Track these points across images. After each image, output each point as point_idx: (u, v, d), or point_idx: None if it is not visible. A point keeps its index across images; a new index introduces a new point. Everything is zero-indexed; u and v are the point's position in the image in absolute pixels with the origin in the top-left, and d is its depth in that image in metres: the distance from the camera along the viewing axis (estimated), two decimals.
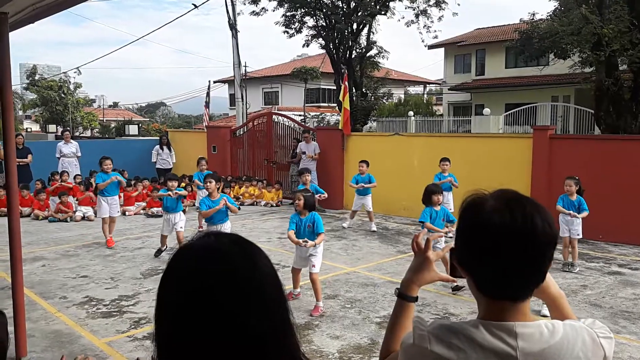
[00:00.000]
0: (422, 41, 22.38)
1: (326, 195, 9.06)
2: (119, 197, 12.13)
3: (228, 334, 0.90)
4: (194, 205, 10.24)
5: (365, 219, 10.82)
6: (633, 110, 11.63)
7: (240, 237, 1.01)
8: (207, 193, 7.01)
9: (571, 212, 7.01)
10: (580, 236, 7.15)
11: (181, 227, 7.92)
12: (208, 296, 0.91)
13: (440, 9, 17.68)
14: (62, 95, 40.52)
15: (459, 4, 19.53)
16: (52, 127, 34.80)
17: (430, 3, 17.68)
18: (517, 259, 1.10)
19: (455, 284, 5.92)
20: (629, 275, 7.08)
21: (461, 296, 6.02)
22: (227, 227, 7.01)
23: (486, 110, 21.71)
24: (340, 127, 12.52)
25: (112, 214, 8.72)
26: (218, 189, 7.07)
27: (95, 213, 11.32)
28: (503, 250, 1.10)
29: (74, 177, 12.77)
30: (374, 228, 9.99)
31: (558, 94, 22.89)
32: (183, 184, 12.75)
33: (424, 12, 17.88)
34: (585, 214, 7.05)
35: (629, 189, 8.70)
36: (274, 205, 13.00)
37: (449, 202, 9.11)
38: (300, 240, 5.56)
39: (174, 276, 0.96)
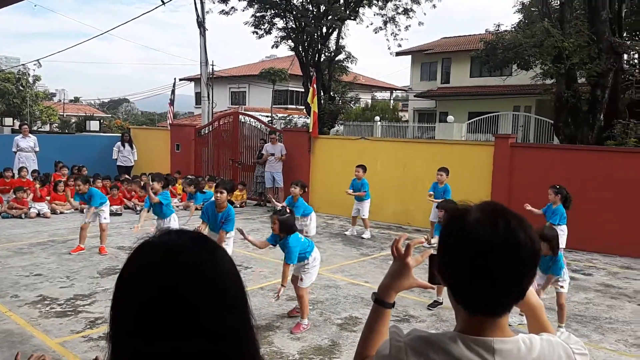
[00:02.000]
0: (389, 48, 22.58)
1: (310, 217, 8.43)
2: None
3: (188, 333, 0.88)
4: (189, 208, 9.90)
5: (331, 221, 10.86)
6: (590, 122, 12.05)
7: (202, 235, 1.00)
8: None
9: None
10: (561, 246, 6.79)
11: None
12: (169, 293, 0.89)
13: (408, 17, 17.93)
14: (20, 87, 39.18)
15: (425, 14, 19.89)
16: (8, 121, 33.54)
17: (399, 11, 17.91)
18: (497, 274, 1.08)
19: (434, 299, 5.91)
20: (582, 280, 7.32)
21: (422, 299, 6.09)
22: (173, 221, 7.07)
23: (450, 118, 22.12)
24: (309, 130, 12.52)
25: (101, 220, 8.00)
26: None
27: (50, 210, 11.01)
28: (484, 264, 1.08)
29: (31, 173, 12.35)
30: (368, 235, 9.62)
31: (520, 104, 23.53)
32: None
33: (392, 20, 18.09)
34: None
35: (584, 197, 9.00)
36: (238, 206, 12.88)
37: None
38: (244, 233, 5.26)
39: (134, 272, 0.94)
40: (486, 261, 1.08)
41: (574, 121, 12.38)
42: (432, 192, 8.87)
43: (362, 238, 9.56)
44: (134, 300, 0.91)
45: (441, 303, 5.86)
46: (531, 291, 1.31)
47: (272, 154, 12.46)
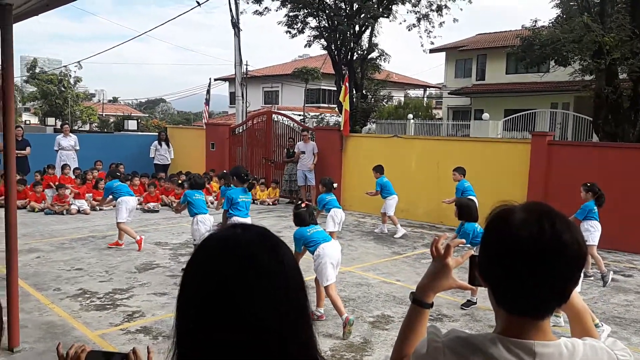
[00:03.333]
0: (422, 45, 22.47)
1: (331, 213, 8.25)
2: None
3: (246, 326, 0.89)
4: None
5: (363, 220, 10.86)
6: (632, 119, 11.67)
7: (267, 231, 1.00)
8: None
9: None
10: (591, 243, 6.75)
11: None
12: (225, 287, 0.90)
13: (440, 15, 17.73)
14: (62, 88, 40.44)
15: (461, 9, 19.62)
16: (50, 120, 34.76)
17: (432, 8, 17.73)
18: (542, 276, 1.06)
19: (468, 299, 5.85)
20: (622, 282, 7.11)
21: (455, 298, 6.03)
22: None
23: (485, 115, 21.74)
24: (341, 128, 12.54)
25: (130, 217, 8.38)
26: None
27: (89, 207, 11.36)
28: (528, 266, 1.06)
29: (73, 171, 12.76)
30: (384, 230, 9.79)
31: (557, 100, 22.93)
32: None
33: (426, 17, 17.92)
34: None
35: (626, 196, 8.73)
36: (270, 204, 13.01)
37: None
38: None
39: (196, 266, 0.96)
40: (531, 263, 1.05)
41: (615, 118, 12.00)
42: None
43: (394, 237, 9.51)
44: (195, 293, 0.93)
45: (475, 303, 5.79)
46: (576, 294, 1.27)
47: (303, 152, 12.52)
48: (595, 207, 6.81)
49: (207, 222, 6.89)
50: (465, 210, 6.05)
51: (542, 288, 1.07)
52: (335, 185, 8.43)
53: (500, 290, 1.13)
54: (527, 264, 1.06)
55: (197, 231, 6.85)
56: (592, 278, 6.95)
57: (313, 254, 5.22)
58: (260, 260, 0.93)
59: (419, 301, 1.38)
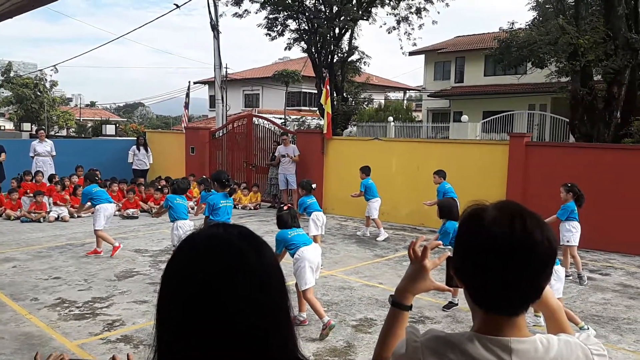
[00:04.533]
0: (401, 48, 22.60)
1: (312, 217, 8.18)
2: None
3: (232, 324, 0.88)
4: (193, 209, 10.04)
5: (345, 223, 10.87)
6: (606, 120, 11.89)
7: (248, 230, 1.00)
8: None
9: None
10: (565, 243, 6.91)
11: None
12: (211, 285, 0.89)
13: (419, 17, 17.87)
14: (38, 93, 39.78)
15: (438, 12, 19.82)
16: (26, 126, 34.04)
17: (412, 10, 17.86)
18: (514, 273, 1.08)
19: (449, 300, 5.89)
20: (600, 280, 7.24)
21: (437, 300, 6.07)
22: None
23: (464, 117, 21.99)
24: (324, 131, 12.54)
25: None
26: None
27: (69, 213, 11.17)
28: (500, 264, 1.08)
29: (49, 178, 12.52)
30: (365, 234, 9.88)
31: (535, 102, 23.29)
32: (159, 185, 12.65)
33: (405, 19, 18.05)
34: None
35: (602, 196, 8.89)
36: (252, 208, 12.95)
37: None
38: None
39: (178, 264, 0.95)
40: (503, 260, 1.08)
41: (590, 119, 12.22)
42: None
43: (377, 240, 9.54)
44: (177, 292, 0.91)
45: (456, 304, 5.83)
46: (550, 293, 1.30)
47: (284, 156, 12.49)
48: (576, 208, 6.92)
49: (187, 228, 6.76)
50: (446, 209, 6.13)
51: (515, 285, 1.09)
52: (314, 186, 8.43)
53: (475, 288, 1.15)
54: (499, 262, 1.08)
55: (176, 236, 6.79)
56: (570, 277, 7.05)
57: (293, 257, 5.21)
58: (244, 259, 0.93)
59: (398, 304, 1.40)
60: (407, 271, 1.42)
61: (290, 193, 12.59)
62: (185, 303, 0.89)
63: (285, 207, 5.59)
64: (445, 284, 1.31)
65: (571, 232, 6.87)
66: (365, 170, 9.90)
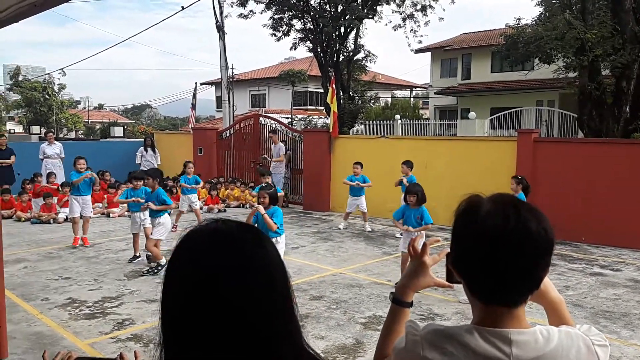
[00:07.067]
0: (409, 45, 22.50)
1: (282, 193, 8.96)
2: (103, 198, 12.12)
3: (239, 317, 0.88)
4: (177, 207, 10.15)
5: (353, 221, 10.86)
6: (615, 115, 11.80)
7: (249, 224, 1.00)
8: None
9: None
10: None
11: (149, 224, 7.51)
12: (217, 280, 0.89)
13: (425, 15, 17.83)
14: (47, 96, 40.11)
15: (444, 9, 19.74)
16: (35, 129, 34.38)
17: (417, 8, 17.82)
18: (510, 264, 1.08)
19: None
20: (610, 276, 7.18)
21: (446, 297, 6.05)
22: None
23: (472, 114, 21.89)
24: (330, 130, 12.52)
25: (85, 213, 8.76)
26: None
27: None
28: (496, 256, 1.08)
29: (61, 185, 12.55)
30: (369, 228, 10.11)
31: (543, 98, 23.15)
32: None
33: (411, 17, 18.01)
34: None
35: (611, 191, 8.83)
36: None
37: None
38: (255, 207, 6.02)
39: (182, 260, 0.94)
40: (498, 252, 1.08)
41: (599, 114, 12.13)
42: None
43: (339, 229, 10.23)
44: (183, 287, 0.90)
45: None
46: (551, 286, 1.30)
47: (271, 156, 12.34)
48: (525, 198, 7.11)
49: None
50: (421, 193, 6.48)
51: (512, 276, 1.09)
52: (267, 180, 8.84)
53: (473, 280, 1.15)
54: (495, 253, 1.08)
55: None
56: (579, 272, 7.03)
57: (277, 237, 5.86)
58: (249, 252, 0.93)
59: (399, 300, 1.40)
60: (408, 268, 1.43)
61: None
62: (189, 300, 0.89)
63: (266, 184, 6.49)
64: (446, 279, 1.32)
65: None
66: (411, 165, 9.58)
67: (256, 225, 5.56)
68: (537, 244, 1.09)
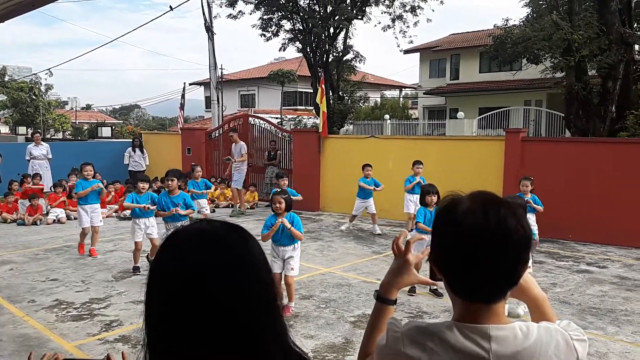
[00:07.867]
0: (398, 46, 22.56)
1: (301, 198, 8.68)
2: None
3: (222, 317, 0.88)
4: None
5: (342, 221, 10.87)
6: (601, 114, 11.93)
7: (234, 224, 1.00)
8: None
9: None
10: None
11: (156, 234, 7.17)
12: (208, 279, 0.89)
13: (414, 15, 17.90)
14: (33, 97, 39.67)
15: (433, 10, 19.84)
16: (22, 129, 33.96)
17: (406, 8, 17.89)
18: (489, 261, 1.09)
19: (435, 287, 5.93)
20: (597, 273, 7.26)
21: (434, 295, 6.08)
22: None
23: (460, 114, 22.02)
24: (319, 130, 12.52)
25: (94, 223, 8.06)
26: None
27: (67, 215, 11.14)
28: (475, 252, 1.09)
29: (53, 185, 12.42)
30: (378, 231, 9.80)
31: (530, 98, 23.35)
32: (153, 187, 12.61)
33: (400, 17, 18.07)
34: (539, 208, 7.39)
35: (598, 190, 8.93)
36: (249, 207, 12.93)
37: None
38: (278, 220, 5.39)
39: (168, 260, 0.93)
40: (477, 249, 1.09)
41: (586, 114, 12.26)
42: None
43: (342, 230, 10.11)
44: (168, 288, 0.90)
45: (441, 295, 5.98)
46: (534, 283, 1.32)
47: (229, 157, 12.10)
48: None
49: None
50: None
51: (491, 272, 1.10)
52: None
53: (452, 277, 1.16)
54: (474, 250, 1.09)
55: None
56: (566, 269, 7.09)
57: (296, 243, 5.63)
58: (235, 251, 0.94)
59: (382, 298, 1.41)
60: (391, 266, 1.44)
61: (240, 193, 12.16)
62: (176, 299, 0.88)
63: (280, 190, 6.22)
64: (429, 277, 1.34)
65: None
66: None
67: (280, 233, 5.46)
68: (515, 241, 1.10)
